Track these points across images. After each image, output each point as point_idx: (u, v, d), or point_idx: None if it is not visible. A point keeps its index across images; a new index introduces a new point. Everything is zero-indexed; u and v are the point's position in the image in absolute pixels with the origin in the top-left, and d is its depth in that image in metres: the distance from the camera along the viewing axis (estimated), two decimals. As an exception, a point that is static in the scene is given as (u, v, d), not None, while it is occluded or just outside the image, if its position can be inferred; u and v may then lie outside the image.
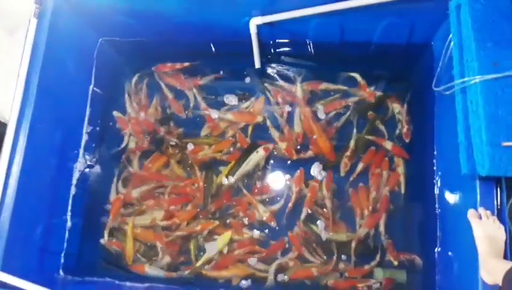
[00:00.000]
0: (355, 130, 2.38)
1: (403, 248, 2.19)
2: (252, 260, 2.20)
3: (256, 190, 2.34)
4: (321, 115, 2.40)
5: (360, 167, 2.31)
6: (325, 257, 2.20)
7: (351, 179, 2.31)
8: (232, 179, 2.33)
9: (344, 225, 2.25)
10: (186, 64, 2.58)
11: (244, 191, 2.32)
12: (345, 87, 2.46)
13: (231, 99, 2.52)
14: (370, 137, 2.36)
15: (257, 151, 2.32)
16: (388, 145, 2.33)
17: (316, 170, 2.34)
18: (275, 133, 2.40)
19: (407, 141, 2.31)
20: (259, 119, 2.44)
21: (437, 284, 1.94)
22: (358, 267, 2.18)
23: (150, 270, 2.22)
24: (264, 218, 2.26)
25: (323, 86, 2.47)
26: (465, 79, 1.61)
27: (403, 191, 2.27)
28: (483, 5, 1.64)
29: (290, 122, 2.43)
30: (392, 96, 2.42)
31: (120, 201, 2.37)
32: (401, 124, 2.35)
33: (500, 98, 1.51)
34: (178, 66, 2.59)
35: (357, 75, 2.46)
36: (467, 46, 1.64)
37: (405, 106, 2.36)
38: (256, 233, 2.26)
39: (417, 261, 2.14)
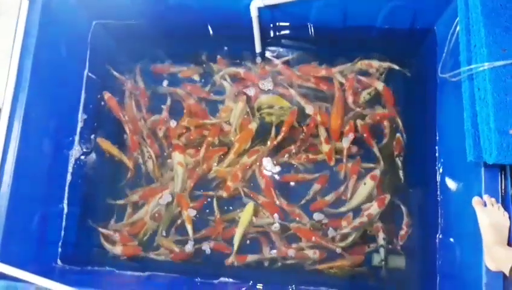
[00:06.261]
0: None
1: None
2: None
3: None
4: (345, 143, 2.29)
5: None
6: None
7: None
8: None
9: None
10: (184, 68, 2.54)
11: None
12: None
13: (265, 84, 2.44)
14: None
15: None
16: (380, 86, 2.36)
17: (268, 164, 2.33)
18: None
19: (400, 243, 2.19)
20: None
21: (438, 269, 1.95)
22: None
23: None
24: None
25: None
26: (473, 66, 1.58)
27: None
28: (492, -10, 1.61)
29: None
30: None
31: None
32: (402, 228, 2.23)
33: (508, 85, 1.49)
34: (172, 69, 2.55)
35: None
36: (475, 31, 1.61)
37: (407, 217, 2.23)
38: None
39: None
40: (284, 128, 2.31)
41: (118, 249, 2.25)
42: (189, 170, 2.34)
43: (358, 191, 2.25)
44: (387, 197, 2.20)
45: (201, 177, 2.34)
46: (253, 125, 2.35)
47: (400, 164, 2.28)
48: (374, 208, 2.19)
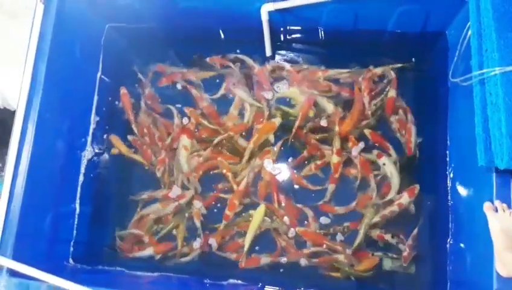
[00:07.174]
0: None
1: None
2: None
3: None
4: (355, 152, 2.28)
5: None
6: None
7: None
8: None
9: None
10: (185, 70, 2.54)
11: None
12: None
13: (281, 87, 2.45)
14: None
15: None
16: (392, 92, 2.34)
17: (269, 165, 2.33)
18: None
19: (404, 265, 2.16)
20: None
21: (448, 275, 1.94)
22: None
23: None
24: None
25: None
26: (485, 70, 1.57)
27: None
28: (503, -6, 1.60)
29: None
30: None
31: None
32: (404, 246, 2.18)
33: (520, 90, 1.48)
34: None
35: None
36: (486, 36, 1.59)
37: (416, 230, 2.19)
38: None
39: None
40: (299, 118, 2.30)
41: (148, 251, 2.26)
42: (199, 164, 2.35)
43: (388, 171, 2.22)
44: (417, 187, 2.19)
45: (208, 168, 2.36)
46: (277, 120, 2.35)
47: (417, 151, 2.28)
48: (404, 198, 2.18)
